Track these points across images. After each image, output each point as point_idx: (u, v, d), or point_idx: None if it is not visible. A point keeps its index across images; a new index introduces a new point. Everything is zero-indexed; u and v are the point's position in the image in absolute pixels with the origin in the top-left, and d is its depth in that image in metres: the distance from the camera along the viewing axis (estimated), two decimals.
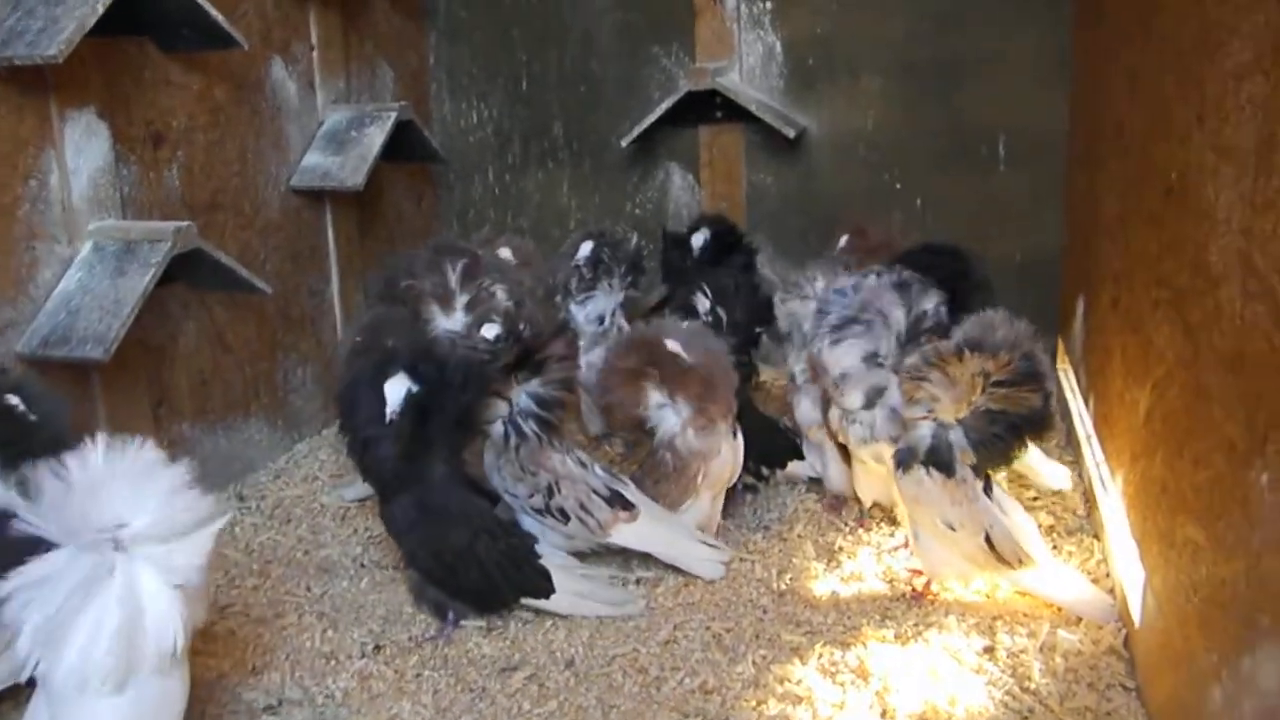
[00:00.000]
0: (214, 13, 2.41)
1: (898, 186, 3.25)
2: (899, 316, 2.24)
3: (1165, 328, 1.93)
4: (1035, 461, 2.26)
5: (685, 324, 2.47)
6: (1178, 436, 1.82)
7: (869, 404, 2.25)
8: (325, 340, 3.13)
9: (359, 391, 2.05)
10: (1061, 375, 3.16)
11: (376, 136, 2.97)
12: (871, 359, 2.25)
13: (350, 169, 2.92)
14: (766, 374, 3.26)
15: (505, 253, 2.90)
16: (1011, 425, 2.00)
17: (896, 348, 2.24)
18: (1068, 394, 2.98)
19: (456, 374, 2.07)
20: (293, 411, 3.03)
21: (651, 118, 3.21)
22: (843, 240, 2.87)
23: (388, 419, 2.02)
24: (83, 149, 2.34)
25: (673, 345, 2.38)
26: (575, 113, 3.48)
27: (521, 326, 2.24)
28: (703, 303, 2.70)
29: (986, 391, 2.01)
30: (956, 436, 2.09)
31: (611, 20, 3.38)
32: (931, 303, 2.25)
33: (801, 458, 2.67)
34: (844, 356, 2.26)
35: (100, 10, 2.14)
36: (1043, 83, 3.10)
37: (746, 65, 3.29)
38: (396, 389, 2.04)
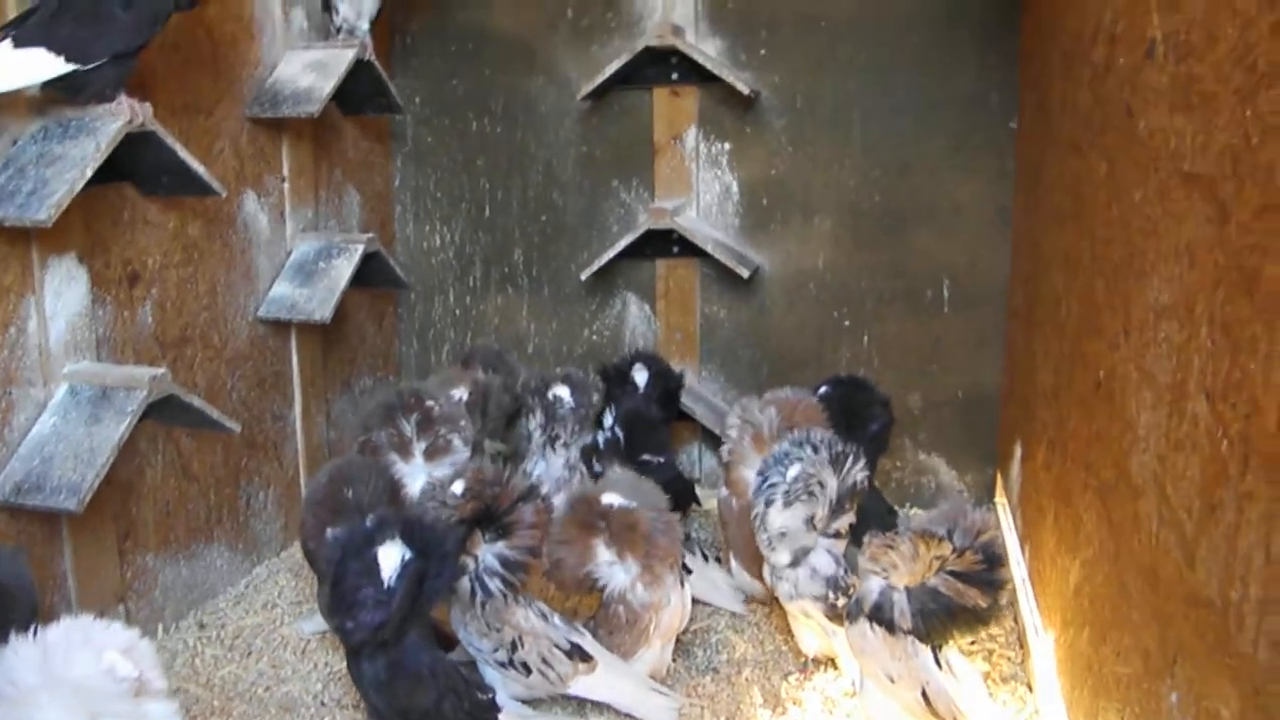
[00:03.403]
0: (195, 165, 2.50)
1: (846, 324, 3.40)
2: (833, 486, 2.41)
3: (1093, 513, 2.07)
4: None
5: (627, 476, 2.59)
6: (1103, 622, 1.95)
7: (795, 562, 2.47)
8: (287, 464, 3.19)
9: (349, 560, 2.09)
10: (999, 509, 3.31)
11: (344, 269, 3.06)
12: (809, 522, 2.42)
13: (318, 301, 3.00)
14: (710, 502, 3.36)
15: (458, 393, 2.98)
16: (950, 610, 2.13)
17: (827, 513, 2.42)
18: (1005, 529, 3.12)
19: (450, 540, 2.15)
20: (253, 535, 3.08)
21: (611, 253, 3.33)
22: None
23: (386, 585, 2.08)
24: (62, 294, 2.41)
25: (613, 500, 2.49)
26: (536, 240, 3.59)
27: (488, 488, 2.33)
28: (608, 420, 3.00)
29: (940, 575, 2.14)
30: (900, 599, 2.22)
31: (574, 154, 3.51)
32: (862, 474, 2.42)
33: None
34: (791, 519, 2.42)
35: (89, 174, 2.22)
36: (986, 233, 3.27)
37: (703, 202, 3.43)
38: (391, 556, 2.11)
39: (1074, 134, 2.37)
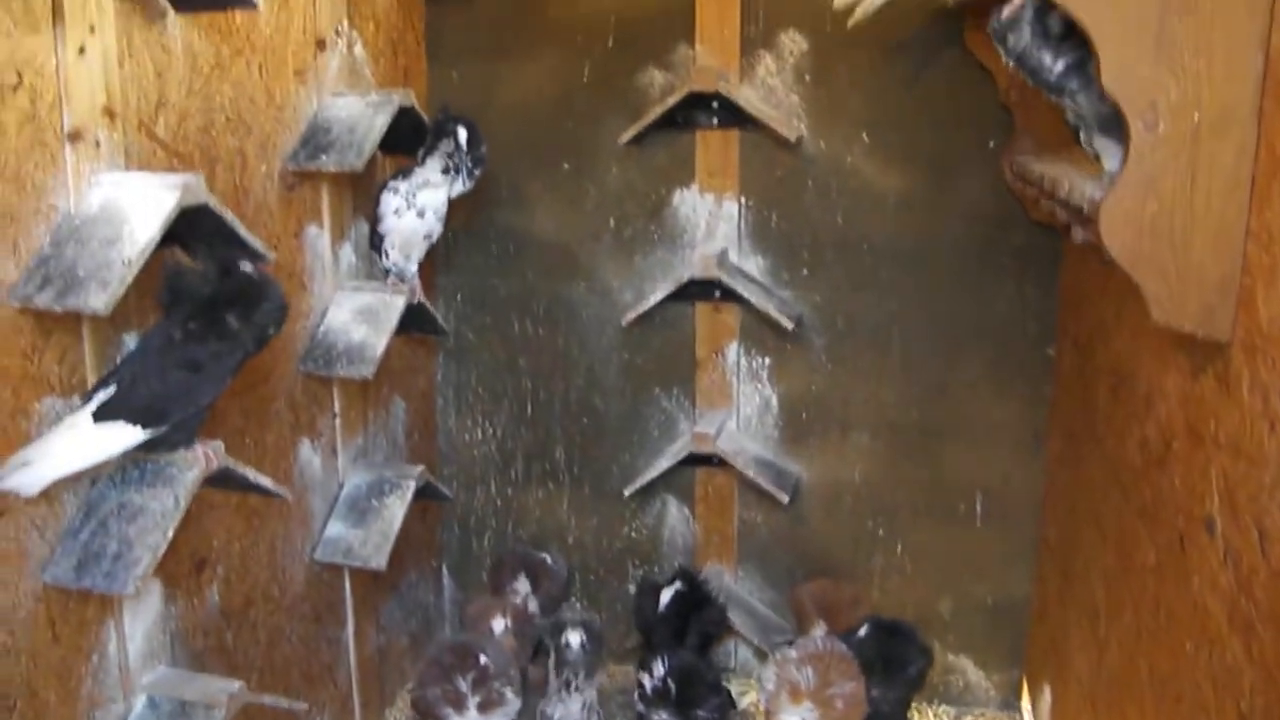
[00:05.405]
0: (265, 482, 2.56)
1: (880, 533, 3.49)
2: None
3: None
4: None
5: None
6: None
7: None
8: (341, 683, 3.30)
9: None
10: (1025, 715, 3.44)
11: (397, 509, 3.13)
12: None
13: (373, 546, 3.08)
14: (746, 697, 3.52)
15: (499, 625, 3.10)
16: None
17: None
18: None
19: None
20: None
21: (654, 472, 3.43)
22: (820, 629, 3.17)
23: None
24: (138, 612, 2.50)
25: None
26: (578, 440, 3.67)
27: None
28: (658, 670, 3.05)
29: None
30: None
31: (617, 360, 3.57)
32: None
33: None
34: None
35: (171, 534, 2.29)
36: (1019, 452, 3.36)
37: (744, 414, 3.50)
38: None
39: (1121, 473, 2.45)
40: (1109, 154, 2.04)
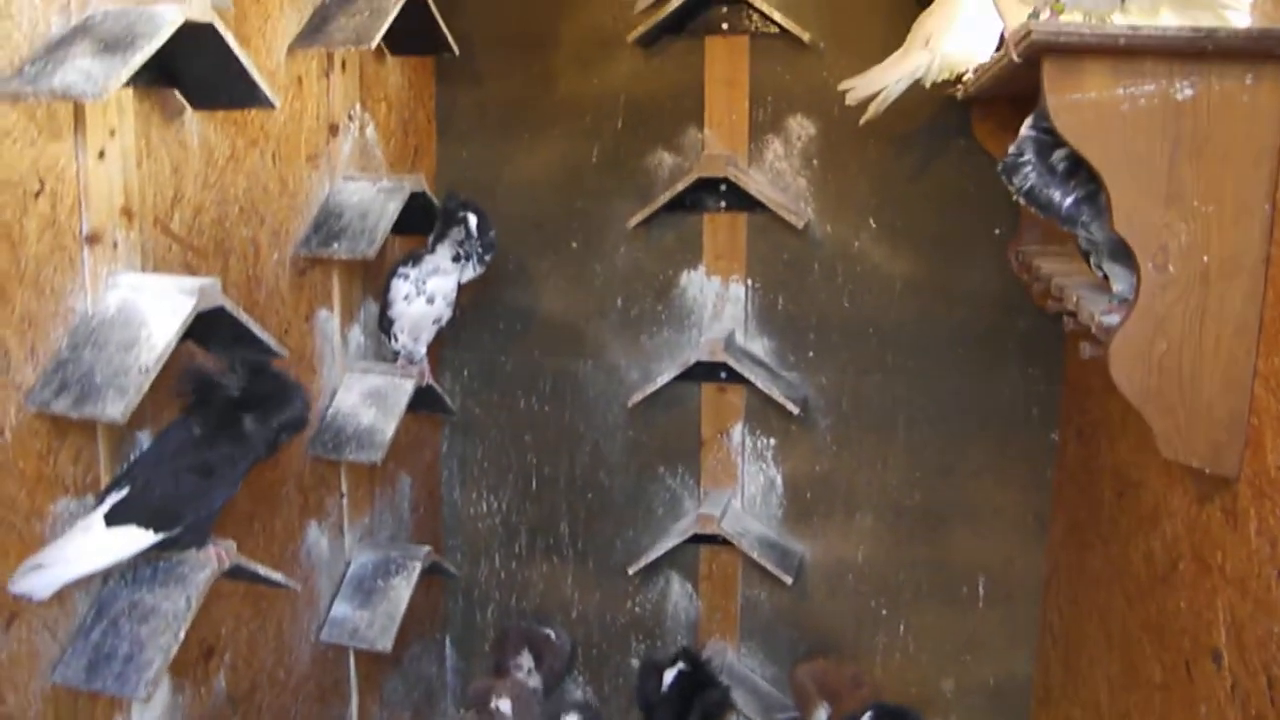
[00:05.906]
0: (275, 576, 2.57)
1: (883, 613, 3.51)
2: None
3: None
4: None
5: None
6: None
7: None
8: None
9: None
10: None
11: (403, 590, 3.14)
12: None
13: (379, 628, 3.08)
14: None
15: (505, 706, 3.11)
16: None
17: None
18: None
19: None
20: None
21: (659, 552, 3.44)
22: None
23: None
24: (147, 707, 2.50)
25: None
26: (582, 516, 3.68)
27: None
28: None
29: None
30: None
31: (622, 438, 3.59)
32: None
33: None
34: None
35: (183, 636, 2.30)
36: (1022, 536, 3.37)
37: (748, 494, 3.52)
38: None
39: (1125, 580, 2.46)
40: (1118, 277, 2.06)
